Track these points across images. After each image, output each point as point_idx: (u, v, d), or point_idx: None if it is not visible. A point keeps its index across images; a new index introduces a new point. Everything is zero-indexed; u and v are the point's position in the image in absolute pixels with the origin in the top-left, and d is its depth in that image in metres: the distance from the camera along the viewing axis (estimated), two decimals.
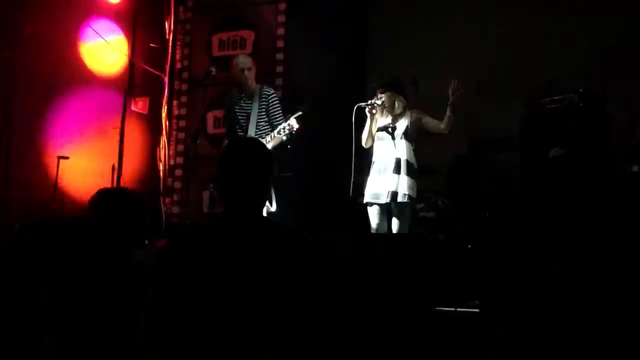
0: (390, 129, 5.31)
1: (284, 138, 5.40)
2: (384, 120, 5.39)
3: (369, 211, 5.34)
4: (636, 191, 5.39)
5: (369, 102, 5.29)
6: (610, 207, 5.24)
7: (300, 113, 5.35)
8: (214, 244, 2.39)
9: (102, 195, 3.10)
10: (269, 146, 5.46)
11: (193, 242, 2.44)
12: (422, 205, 6.38)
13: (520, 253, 2.88)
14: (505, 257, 3.69)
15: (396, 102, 5.34)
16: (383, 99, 5.31)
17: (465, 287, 4.57)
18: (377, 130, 5.37)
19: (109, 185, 6.39)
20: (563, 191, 5.37)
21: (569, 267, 2.69)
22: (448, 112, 5.17)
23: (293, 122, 5.29)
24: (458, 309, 4.27)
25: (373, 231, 5.29)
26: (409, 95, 5.56)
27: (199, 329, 2.29)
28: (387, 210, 5.28)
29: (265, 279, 2.31)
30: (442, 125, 5.24)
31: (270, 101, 5.64)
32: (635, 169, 5.47)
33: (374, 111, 5.31)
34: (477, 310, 4.00)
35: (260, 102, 5.64)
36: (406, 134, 5.30)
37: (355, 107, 5.25)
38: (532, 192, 5.66)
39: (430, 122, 5.31)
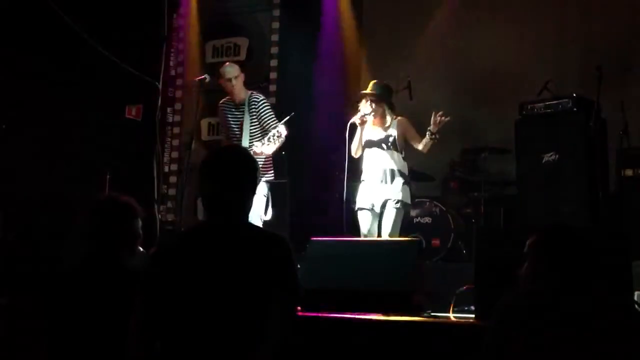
0: (379, 140, 5.32)
1: (276, 145, 5.39)
2: (373, 130, 5.38)
3: (359, 216, 5.33)
4: (630, 195, 5.39)
5: (359, 114, 5.29)
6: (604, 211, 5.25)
7: (288, 118, 5.34)
8: (196, 250, 2.40)
9: (93, 202, 3.08)
10: (265, 151, 5.45)
11: (177, 248, 2.46)
12: (417, 211, 6.38)
13: (515, 258, 2.87)
14: (501, 261, 3.68)
15: (384, 112, 5.34)
16: (373, 109, 5.30)
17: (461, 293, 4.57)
18: (366, 144, 5.36)
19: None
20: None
21: (566, 269, 2.68)
22: (428, 138, 5.17)
23: (282, 129, 5.27)
24: (453, 315, 4.26)
25: (363, 236, 5.28)
26: (402, 101, 5.56)
27: (182, 332, 2.31)
28: (377, 216, 5.27)
29: (249, 284, 2.32)
30: (420, 147, 5.26)
31: (260, 108, 5.63)
32: (628, 173, 5.47)
33: (365, 119, 5.31)
34: (473, 316, 4.00)
35: (250, 109, 5.62)
36: (395, 144, 5.30)
37: (349, 123, 5.27)
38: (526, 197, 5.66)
39: (412, 138, 5.31)
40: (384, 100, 5.35)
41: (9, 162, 6.53)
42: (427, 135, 5.18)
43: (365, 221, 5.30)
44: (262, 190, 5.60)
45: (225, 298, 2.31)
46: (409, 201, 5.32)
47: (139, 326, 2.39)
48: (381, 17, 7.69)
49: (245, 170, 2.50)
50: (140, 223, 3.07)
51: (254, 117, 5.63)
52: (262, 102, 5.67)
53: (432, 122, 5.16)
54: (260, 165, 5.59)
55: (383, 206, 5.22)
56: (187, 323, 2.32)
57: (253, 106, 5.63)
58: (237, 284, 2.32)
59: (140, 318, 2.39)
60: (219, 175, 2.47)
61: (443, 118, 5.14)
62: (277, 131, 5.28)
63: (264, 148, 5.40)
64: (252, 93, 5.73)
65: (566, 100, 5.56)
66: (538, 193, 5.56)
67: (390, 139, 5.31)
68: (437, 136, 5.16)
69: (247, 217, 2.54)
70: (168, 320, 2.34)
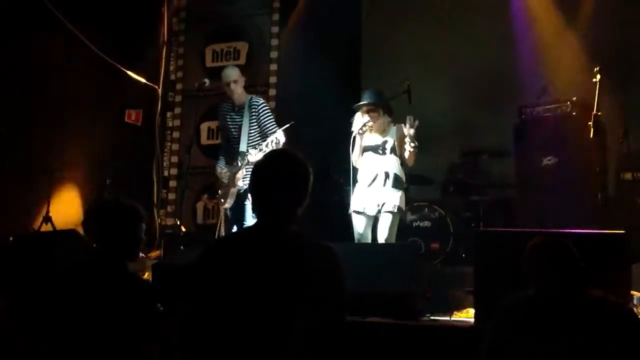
0: (377, 145, 5.32)
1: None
2: (372, 138, 5.38)
3: (354, 220, 5.32)
4: (629, 199, 5.40)
5: (359, 126, 5.29)
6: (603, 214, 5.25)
7: (287, 126, 5.34)
8: (248, 258, 2.38)
9: (98, 206, 3.09)
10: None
11: (226, 255, 2.44)
12: (416, 214, 6.38)
13: (514, 262, 2.88)
14: (500, 265, 3.68)
15: (382, 119, 5.33)
16: (370, 117, 5.30)
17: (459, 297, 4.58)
18: (364, 149, 5.36)
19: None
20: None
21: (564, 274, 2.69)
22: (409, 147, 5.12)
23: (280, 135, 5.27)
24: (452, 318, 4.27)
25: (356, 240, 5.27)
26: (401, 104, 5.56)
27: (233, 339, 2.29)
28: (372, 220, 5.27)
29: (298, 292, 2.29)
30: (406, 156, 5.22)
31: (260, 111, 5.63)
32: (627, 177, 5.48)
33: (365, 129, 5.31)
34: (472, 319, 4.00)
35: (250, 113, 5.63)
36: (393, 149, 5.30)
37: (353, 136, 5.27)
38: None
39: (405, 147, 5.28)
40: (379, 106, 5.36)
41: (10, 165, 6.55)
42: (406, 144, 5.14)
43: (359, 224, 5.30)
44: None
45: (260, 305, 2.29)
46: (404, 206, 5.31)
47: (187, 335, 2.38)
48: (380, 21, 7.70)
49: (299, 176, 2.49)
50: (144, 227, 3.08)
51: (254, 120, 5.63)
52: (262, 105, 5.67)
53: (405, 132, 5.10)
54: None
55: (378, 211, 5.22)
56: (238, 327, 2.30)
57: (253, 109, 5.64)
58: (274, 291, 2.29)
59: (189, 326, 2.38)
60: (275, 180, 2.46)
61: (414, 124, 5.08)
62: (276, 138, 5.28)
63: (258, 155, 5.41)
64: (252, 97, 5.74)
65: (565, 103, 5.57)
66: (537, 196, 5.56)
67: (388, 144, 5.31)
68: (416, 144, 5.09)
69: (295, 221, 2.51)
70: (218, 326, 2.32)
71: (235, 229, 5.62)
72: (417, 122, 5.06)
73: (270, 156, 2.63)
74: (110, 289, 2.86)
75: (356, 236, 5.29)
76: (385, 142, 5.32)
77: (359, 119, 5.35)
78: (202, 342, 2.33)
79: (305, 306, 2.27)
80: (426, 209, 6.51)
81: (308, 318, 2.26)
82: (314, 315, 2.27)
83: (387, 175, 5.25)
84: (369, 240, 5.25)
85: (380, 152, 5.31)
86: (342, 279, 2.39)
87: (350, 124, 5.40)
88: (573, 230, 4.86)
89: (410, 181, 5.44)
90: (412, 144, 5.05)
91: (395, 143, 5.30)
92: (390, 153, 5.30)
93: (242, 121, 5.65)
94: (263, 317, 2.27)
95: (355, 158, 5.40)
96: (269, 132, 5.53)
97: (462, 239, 6.36)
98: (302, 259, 2.35)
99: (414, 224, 6.40)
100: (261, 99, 5.83)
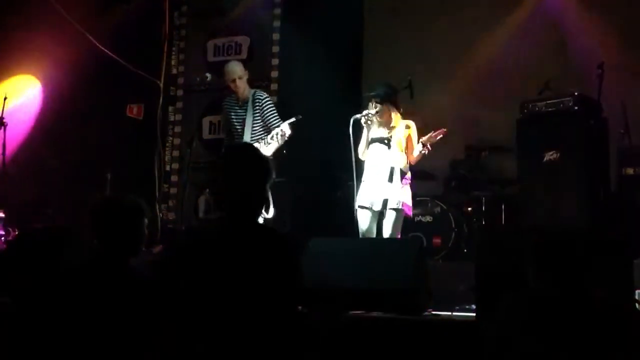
0: (384, 139, 5.31)
1: (278, 143, 5.41)
2: (378, 129, 5.37)
3: (359, 215, 5.31)
4: (631, 194, 5.40)
5: (364, 112, 5.28)
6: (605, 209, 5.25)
7: (293, 119, 5.34)
8: (217, 251, 2.45)
9: (100, 202, 3.08)
10: (264, 152, 5.46)
11: (195, 250, 2.51)
12: (418, 209, 6.38)
13: (516, 258, 2.88)
14: (502, 261, 3.68)
15: (388, 111, 5.32)
16: (377, 109, 5.30)
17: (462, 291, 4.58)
18: (372, 141, 5.35)
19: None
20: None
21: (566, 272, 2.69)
22: (419, 148, 5.15)
23: (286, 128, 5.28)
24: (454, 313, 4.27)
25: (361, 235, 5.27)
26: (403, 100, 5.55)
27: (207, 328, 2.37)
28: (377, 216, 5.27)
29: (264, 281, 2.37)
30: (413, 156, 5.23)
31: (263, 105, 5.65)
32: (629, 172, 5.47)
33: (369, 122, 5.30)
34: (474, 314, 4.00)
35: (254, 107, 5.66)
36: (399, 144, 5.29)
37: (352, 119, 5.26)
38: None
39: (410, 145, 5.28)
40: (389, 99, 5.35)
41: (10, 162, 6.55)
42: (420, 144, 5.16)
43: (364, 220, 5.29)
44: None
45: (231, 298, 2.36)
46: (410, 203, 5.30)
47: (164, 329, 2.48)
48: (383, 16, 7.69)
49: (260, 169, 2.54)
50: (146, 222, 3.08)
51: (257, 115, 5.65)
52: (265, 99, 5.69)
53: (427, 136, 5.12)
54: None
55: (384, 206, 5.21)
56: (210, 316, 2.38)
57: (257, 104, 5.66)
58: (242, 283, 2.36)
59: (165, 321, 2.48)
60: (236, 175, 2.52)
61: (439, 137, 5.11)
62: (281, 130, 5.29)
63: (263, 148, 5.42)
64: (255, 91, 5.76)
65: (567, 98, 5.56)
66: (539, 192, 5.55)
67: (395, 139, 5.30)
68: (427, 150, 5.13)
69: (259, 216, 2.56)
70: (193, 317, 2.40)
71: None
72: (440, 136, 5.06)
73: (231, 152, 2.76)
74: (113, 287, 2.85)
75: (360, 232, 5.29)
76: (392, 136, 5.31)
77: (368, 109, 5.34)
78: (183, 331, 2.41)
79: (268, 293, 2.35)
80: (428, 204, 6.51)
81: (270, 305, 2.35)
82: (275, 302, 2.36)
83: (392, 170, 5.24)
84: (374, 236, 5.25)
85: (387, 144, 5.29)
86: (298, 266, 2.48)
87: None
88: (574, 227, 4.87)
89: (412, 177, 5.44)
90: (423, 149, 5.06)
91: (403, 138, 5.30)
92: (396, 148, 5.29)
93: (245, 115, 5.67)
94: (232, 306, 2.35)
95: (362, 151, 5.40)
96: (273, 125, 5.54)
97: (464, 235, 6.37)
98: (264, 249, 2.42)
99: (415, 219, 6.40)
100: (264, 93, 5.83)
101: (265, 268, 2.38)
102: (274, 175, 2.57)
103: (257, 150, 2.68)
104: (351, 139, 5.25)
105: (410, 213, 5.33)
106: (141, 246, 3.15)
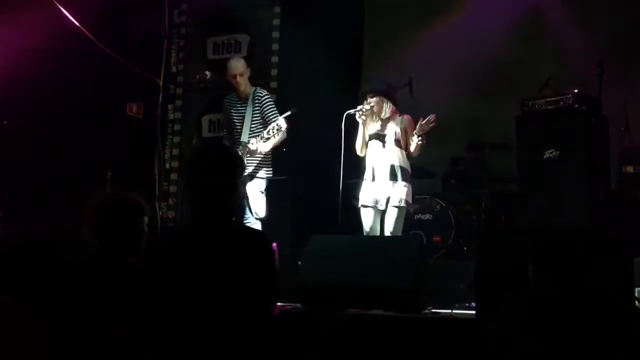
0: (380, 135, 5.30)
1: (275, 138, 5.42)
2: (374, 126, 5.37)
3: (362, 213, 5.32)
4: (631, 192, 5.39)
5: (358, 108, 5.28)
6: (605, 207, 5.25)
7: (289, 113, 5.36)
8: (189, 251, 2.47)
9: (100, 200, 3.08)
10: (262, 148, 5.47)
11: (163, 252, 2.57)
12: (418, 207, 6.38)
13: (516, 256, 2.88)
14: (502, 260, 3.68)
15: (384, 106, 5.32)
16: (372, 104, 5.30)
17: (462, 289, 4.58)
18: (370, 138, 5.35)
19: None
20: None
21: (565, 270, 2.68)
22: (415, 141, 5.13)
23: (282, 122, 5.31)
24: (454, 311, 4.27)
25: (365, 233, 5.28)
26: (402, 97, 5.55)
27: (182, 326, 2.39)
28: (380, 214, 5.27)
29: (227, 282, 2.38)
30: (411, 149, 5.21)
31: (263, 103, 5.66)
32: (629, 170, 5.47)
33: (363, 117, 5.29)
34: (474, 312, 4.00)
35: (254, 104, 5.67)
36: (397, 141, 5.28)
37: (345, 114, 5.26)
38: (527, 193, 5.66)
39: (409, 139, 5.26)
40: (384, 95, 5.34)
41: (10, 159, 6.53)
42: (415, 136, 5.14)
43: (367, 218, 5.29)
44: (261, 186, 5.62)
45: (207, 297, 2.37)
46: (410, 200, 5.30)
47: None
48: (382, 13, 7.68)
49: (224, 168, 2.54)
50: (146, 220, 3.08)
51: (257, 112, 5.66)
52: (265, 97, 5.70)
53: (418, 126, 5.11)
54: (258, 162, 5.60)
55: (385, 204, 5.21)
56: (177, 322, 2.40)
57: (257, 101, 5.67)
58: (217, 283, 2.38)
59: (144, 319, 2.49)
60: (199, 175, 2.54)
61: (430, 124, 5.09)
62: (277, 124, 5.32)
63: (260, 145, 5.44)
64: (256, 89, 5.78)
65: (567, 96, 5.55)
66: (539, 189, 5.55)
67: (394, 135, 5.29)
68: (424, 140, 5.11)
69: (229, 214, 2.55)
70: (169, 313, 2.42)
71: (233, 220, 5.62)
72: (432, 124, 5.05)
73: (202, 150, 2.82)
74: (113, 285, 2.85)
75: (365, 231, 5.29)
76: (390, 133, 5.30)
77: (365, 103, 5.34)
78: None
79: (244, 290, 2.36)
80: (428, 201, 6.51)
81: (247, 302, 2.36)
82: (252, 299, 2.37)
83: (392, 168, 5.24)
84: (378, 234, 5.25)
85: (384, 141, 5.29)
86: (272, 263, 2.49)
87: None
88: (574, 226, 4.87)
89: (412, 174, 5.44)
90: (420, 140, 5.05)
91: (400, 133, 5.29)
92: (396, 145, 5.28)
93: (245, 112, 5.68)
94: (199, 306, 2.37)
95: (359, 147, 5.40)
96: (271, 121, 5.54)
97: (464, 233, 6.36)
98: (238, 247, 2.43)
99: (415, 217, 6.40)
100: (265, 91, 5.84)
101: (232, 266, 2.39)
102: (243, 172, 2.58)
103: (224, 147, 2.71)
104: (343, 134, 5.24)
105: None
106: (141, 244, 3.15)
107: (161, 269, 2.47)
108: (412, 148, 5.19)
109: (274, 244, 2.72)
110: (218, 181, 2.51)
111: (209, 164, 2.54)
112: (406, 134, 5.29)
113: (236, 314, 2.34)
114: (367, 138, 5.38)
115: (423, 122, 5.07)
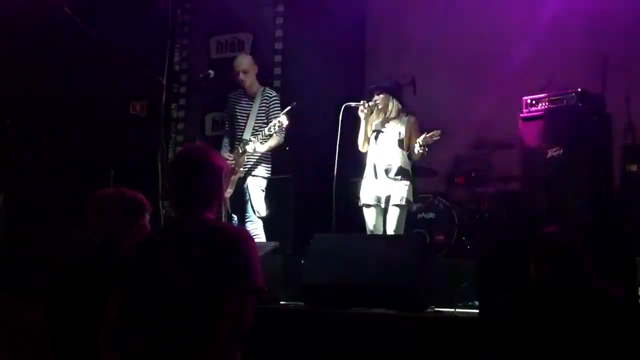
0: (384, 133, 5.30)
1: (276, 136, 5.43)
2: (379, 124, 5.38)
3: (365, 213, 5.32)
4: (634, 190, 5.39)
5: (361, 102, 5.28)
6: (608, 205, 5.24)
7: (289, 108, 5.36)
8: (157, 246, 2.57)
9: (102, 197, 3.08)
10: (263, 147, 5.48)
11: (147, 242, 2.68)
12: (421, 206, 6.37)
13: (518, 254, 2.88)
14: (505, 257, 3.68)
15: (389, 105, 5.32)
16: (377, 101, 5.30)
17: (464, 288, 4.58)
18: (373, 135, 5.35)
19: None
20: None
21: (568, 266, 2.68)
22: (418, 149, 5.10)
23: (283, 119, 5.31)
24: (457, 310, 4.27)
25: (369, 232, 5.28)
26: (408, 98, 5.55)
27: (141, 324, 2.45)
28: (382, 212, 5.27)
29: (200, 276, 2.42)
30: (413, 154, 5.20)
31: (271, 103, 5.66)
32: (633, 168, 5.46)
33: (365, 111, 5.29)
34: (477, 311, 4.00)
35: (261, 103, 5.67)
36: (400, 141, 5.28)
37: (344, 106, 5.26)
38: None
39: (414, 141, 5.24)
40: (391, 93, 5.35)
41: (13, 157, 6.55)
42: (417, 145, 5.13)
43: (370, 217, 5.30)
44: (261, 184, 5.62)
45: (177, 291, 2.42)
46: (412, 199, 5.30)
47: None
48: (386, 12, 7.67)
49: (197, 170, 2.59)
50: (148, 217, 3.08)
51: (263, 111, 5.66)
52: (274, 98, 5.70)
53: (422, 137, 5.06)
54: (258, 160, 5.61)
55: (387, 202, 5.21)
56: (145, 315, 2.45)
57: (265, 100, 5.67)
58: (189, 277, 2.42)
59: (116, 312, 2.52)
60: (178, 174, 2.62)
61: (435, 138, 5.07)
62: (279, 121, 5.31)
63: (258, 145, 5.44)
64: (265, 88, 5.78)
65: (571, 95, 5.54)
66: (542, 188, 5.54)
67: (397, 135, 5.29)
68: (426, 150, 5.09)
69: (204, 211, 2.58)
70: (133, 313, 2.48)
71: (235, 218, 5.63)
72: (436, 138, 5.03)
73: (184, 151, 2.91)
74: (110, 281, 2.85)
75: (368, 230, 5.29)
76: (394, 132, 5.30)
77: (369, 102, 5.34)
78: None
79: (215, 286, 2.38)
80: (431, 200, 6.51)
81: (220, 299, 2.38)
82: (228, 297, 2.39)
83: (394, 166, 5.23)
84: (381, 232, 5.25)
85: (387, 139, 5.29)
86: (251, 258, 2.50)
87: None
88: (577, 223, 4.86)
89: (415, 173, 5.44)
90: (421, 150, 5.04)
91: (404, 134, 5.29)
92: (397, 144, 5.28)
93: (251, 110, 5.67)
94: (182, 295, 2.41)
95: (361, 143, 5.40)
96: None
97: (467, 231, 6.36)
98: (215, 242, 2.46)
99: (418, 216, 6.39)
100: (274, 91, 5.85)
101: (205, 263, 2.42)
102: (220, 172, 2.61)
103: (204, 147, 2.76)
104: (340, 125, 5.22)
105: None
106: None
107: (134, 257, 2.57)
108: (414, 154, 5.19)
109: (248, 232, 2.82)
110: (187, 179, 2.59)
111: (178, 164, 2.69)
112: (410, 137, 5.28)
113: (191, 292, 2.40)
114: (369, 134, 5.38)
115: (428, 135, 5.06)
